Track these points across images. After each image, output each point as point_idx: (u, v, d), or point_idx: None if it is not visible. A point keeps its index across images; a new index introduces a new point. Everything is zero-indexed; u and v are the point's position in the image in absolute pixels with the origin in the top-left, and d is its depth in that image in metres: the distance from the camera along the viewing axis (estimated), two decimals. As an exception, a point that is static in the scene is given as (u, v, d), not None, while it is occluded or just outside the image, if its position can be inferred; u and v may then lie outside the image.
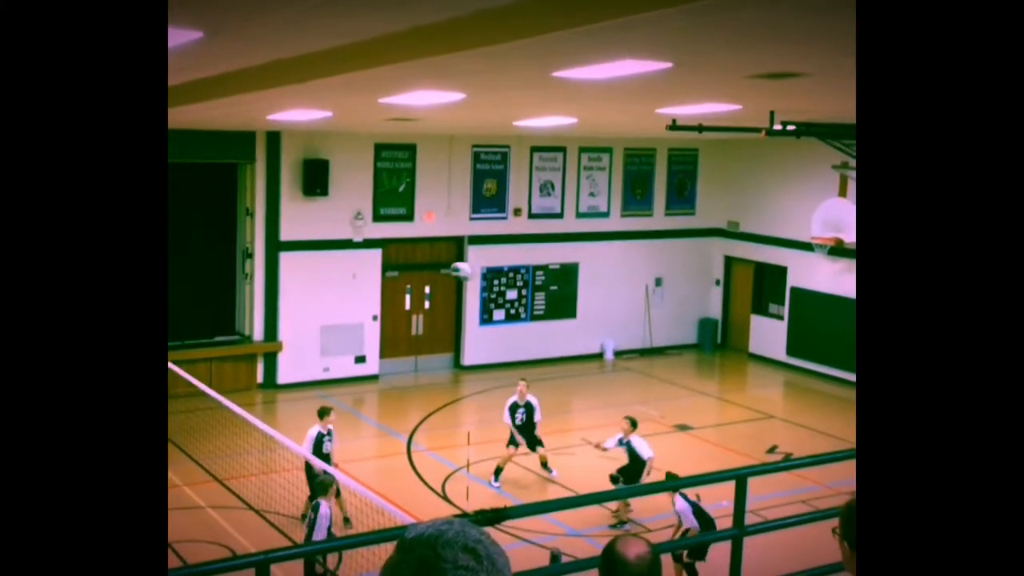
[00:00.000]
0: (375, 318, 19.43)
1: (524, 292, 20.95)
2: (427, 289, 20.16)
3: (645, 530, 11.95)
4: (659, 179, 22.25)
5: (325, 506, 9.66)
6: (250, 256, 18.47)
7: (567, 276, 21.36)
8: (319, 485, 10.01)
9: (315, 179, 18.25)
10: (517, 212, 20.55)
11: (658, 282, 22.47)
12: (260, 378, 18.71)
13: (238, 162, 18.28)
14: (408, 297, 19.99)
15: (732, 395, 19.68)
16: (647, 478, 12.22)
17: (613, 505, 12.59)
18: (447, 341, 20.57)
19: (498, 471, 13.83)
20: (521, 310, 20.96)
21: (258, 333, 18.63)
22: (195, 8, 4.61)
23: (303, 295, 18.60)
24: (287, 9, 4.75)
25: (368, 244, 19.16)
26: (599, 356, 21.73)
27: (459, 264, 17.43)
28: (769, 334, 21.77)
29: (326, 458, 11.96)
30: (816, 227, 18.49)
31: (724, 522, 9.93)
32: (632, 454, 12.50)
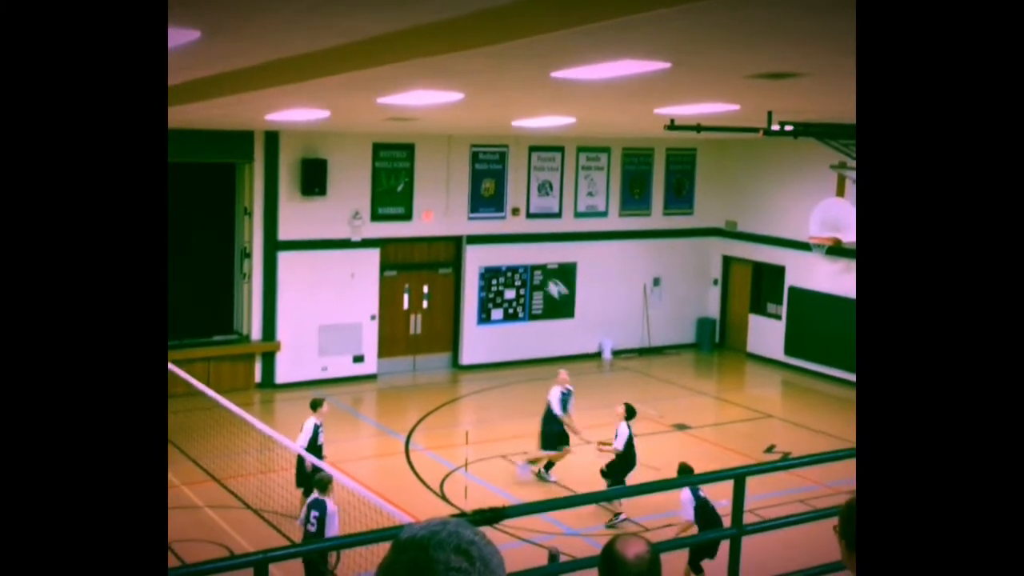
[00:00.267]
0: (373, 318, 19.43)
1: (522, 292, 20.95)
2: (425, 288, 20.16)
3: (643, 529, 11.96)
4: (657, 179, 22.26)
5: (331, 503, 9.77)
6: (248, 256, 18.46)
7: (565, 276, 21.37)
8: (319, 482, 10.06)
9: (313, 179, 18.25)
10: (515, 212, 20.56)
11: (656, 282, 22.47)
12: (258, 377, 18.70)
13: (236, 162, 18.27)
14: (406, 296, 19.99)
15: (730, 395, 19.69)
16: (630, 480, 12.22)
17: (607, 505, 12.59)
18: (445, 340, 20.57)
19: (550, 464, 13.78)
20: (519, 310, 20.96)
21: (256, 332, 18.63)
22: (193, 8, 4.61)
23: (301, 295, 18.60)
24: (285, 9, 4.75)
25: (366, 244, 19.16)
26: (597, 355, 21.74)
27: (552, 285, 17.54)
28: (767, 334, 21.78)
29: (319, 450, 12.11)
30: (814, 227, 18.50)
31: (723, 521, 9.94)
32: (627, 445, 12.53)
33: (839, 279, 19.87)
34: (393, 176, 19.30)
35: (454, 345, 20.62)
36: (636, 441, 12.73)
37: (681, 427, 16.80)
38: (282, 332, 18.63)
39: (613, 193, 21.71)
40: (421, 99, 9.23)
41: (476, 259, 20.35)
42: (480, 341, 20.58)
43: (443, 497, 13.32)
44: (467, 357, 20.49)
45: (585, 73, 6.57)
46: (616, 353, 21.82)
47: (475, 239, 20.26)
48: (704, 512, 10.21)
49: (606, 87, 7.47)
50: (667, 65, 6.12)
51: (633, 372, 20.88)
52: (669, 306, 22.58)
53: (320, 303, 18.77)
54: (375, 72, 6.37)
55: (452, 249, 20.30)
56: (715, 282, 23.11)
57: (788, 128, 12.24)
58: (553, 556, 6.05)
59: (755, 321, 22.23)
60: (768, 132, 11.61)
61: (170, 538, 10.91)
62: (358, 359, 19.36)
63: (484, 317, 20.63)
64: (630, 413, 12.65)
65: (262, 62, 7.01)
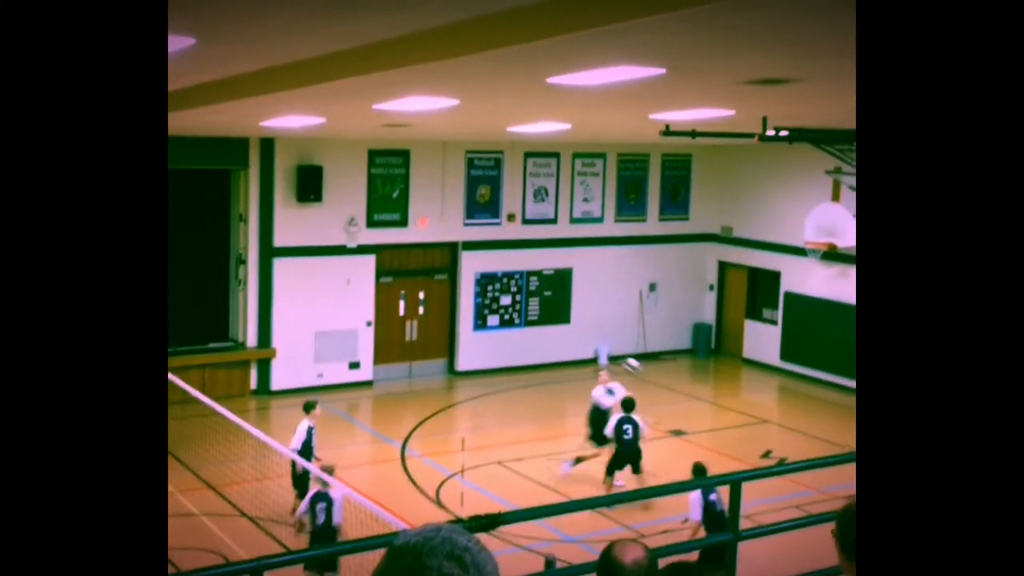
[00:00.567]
0: (369, 324, 19.41)
1: (518, 298, 20.94)
2: (421, 295, 20.15)
3: (641, 536, 11.95)
4: (653, 184, 22.28)
5: (335, 492, 10.21)
6: (244, 262, 18.44)
7: (561, 281, 21.37)
8: (324, 471, 10.52)
9: (309, 185, 18.24)
10: (511, 218, 20.56)
11: (652, 287, 22.48)
12: (254, 384, 18.66)
13: (232, 168, 18.26)
14: (402, 303, 19.97)
15: (726, 400, 19.69)
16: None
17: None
18: (441, 347, 20.55)
19: (579, 460, 13.94)
20: (515, 316, 20.95)
21: (252, 339, 18.60)
22: (188, 14, 4.61)
23: (297, 301, 18.58)
24: (280, 15, 4.75)
25: (362, 250, 19.14)
26: (593, 361, 21.72)
27: (631, 361, 17.61)
28: (763, 339, 21.79)
29: (311, 452, 12.38)
30: (809, 232, 18.50)
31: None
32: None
33: (835, 284, 19.88)
34: (389, 182, 19.30)
35: (450, 351, 20.61)
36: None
37: (677, 433, 16.79)
38: (278, 339, 18.60)
39: (609, 199, 21.72)
40: (416, 105, 9.24)
41: (472, 265, 20.35)
42: (476, 347, 20.56)
43: (439, 504, 13.29)
44: (463, 363, 20.48)
45: (580, 79, 6.58)
46: (612, 359, 21.81)
47: (471, 245, 20.26)
48: (709, 515, 10.19)
49: (601, 93, 7.48)
50: (662, 71, 6.13)
51: (629, 377, 20.84)
52: (665, 312, 22.59)
53: (316, 310, 18.74)
54: (370, 78, 6.37)
55: (448, 255, 20.29)
56: (711, 287, 23.12)
57: (783, 133, 12.25)
58: (549, 562, 6.05)
59: (751, 326, 22.24)
60: (763, 137, 11.63)
61: (165, 546, 10.87)
62: (354, 366, 19.34)
63: (480, 323, 20.62)
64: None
65: (257, 68, 7.01)
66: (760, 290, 22.09)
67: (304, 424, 12.50)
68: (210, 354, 18.30)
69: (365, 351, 19.42)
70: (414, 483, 14.17)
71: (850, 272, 19.32)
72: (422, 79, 6.84)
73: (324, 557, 9.61)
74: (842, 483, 11.71)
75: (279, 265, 18.44)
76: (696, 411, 18.49)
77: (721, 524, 10.04)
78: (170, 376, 14.00)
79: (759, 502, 11.46)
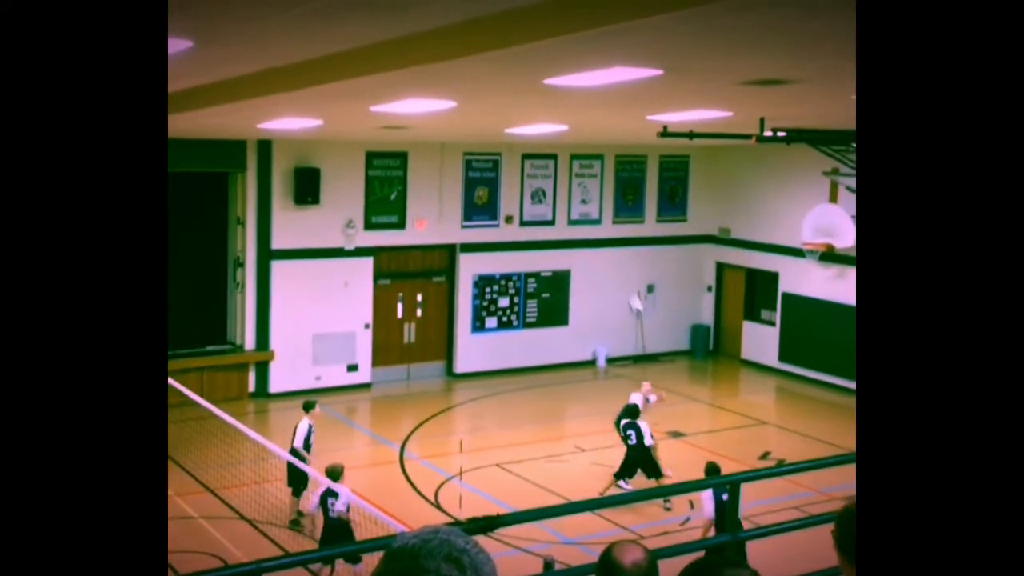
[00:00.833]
0: (367, 326, 19.40)
1: (516, 299, 20.94)
2: (419, 297, 20.15)
3: (640, 537, 11.94)
4: (650, 186, 22.28)
5: (343, 488, 10.37)
6: (241, 265, 18.43)
7: (559, 283, 21.37)
8: (332, 472, 10.67)
9: (306, 187, 18.23)
10: (509, 220, 20.56)
11: (650, 289, 22.48)
12: (252, 387, 18.65)
13: (229, 171, 18.24)
14: (400, 305, 19.97)
15: (724, 401, 19.69)
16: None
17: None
18: (439, 349, 20.54)
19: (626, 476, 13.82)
20: (513, 318, 20.95)
21: (250, 342, 18.58)
22: (185, 17, 4.60)
23: (295, 304, 18.56)
24: (277, 18, 4.74)
25: (360, 252, 19.13)
26: (592, 363, 21.73)
27: (651, 397, 16.00)
28: (761, 340, 21.79)
29: (310, 450, 12.69)
30: (807, 233, 18.52)
31: (742, 524, 9.91)
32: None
33: (832, 285, 19.89)
34: (386, 184, 19.30)
35: (448, 353, 20.60)
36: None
37: (676, 434, 16.78)
38: (276, 341, 18.59)
39: (606, 200, 21.72)
40: (414, 107, 9.24)
41: (470, 267, 20.34)
42: (474, 349, 20.56)
43: (438, 506, 13.28)
44: (461, 365, 20.47)
45: (578, 80, 6.58)
46: (610, 360, 21.81)
47: (469, 247, 20.25)
48: (721, 515, 10.17)
49: (599, 94, 7.48)
50: (659, 72, 6.13)
51: (627, 379, 20.84)
52: (663, 313, 22.59)
53: (314, 312, 18.73)
54: (368, 80, 6.37)
55: (446, 257, 20.29)
56: (709, 289, 23.12)
57: (781, 134, 12.25)
58: (548, 564, 6.04)
59: (749, 328, 22.24)
60: (761, 138, 11.63)
61: (164, 549, 10.86)
62: (352, 368, 19.32)
63: (478, 325, 20.61)
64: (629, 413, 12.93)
65: (255, 70, 7.01)
66: (758, 291, 22.09)
67: (304, 423, 12.80)
68: (208, 357, 18.28)
69: (363, 353, 19.41)
70: (412, 485, 14.16)
71: (848, 273, 19.33)
72: (419, 81, 6.84)
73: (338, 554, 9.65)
74: (841, 484, 11.73)
75: (277, 268, 18.43)
76: (694, 412, 18.49)
77: (734, 523, 10.08)
78: (168, 379, 14.00)
79: (758, 503, 11.46)
